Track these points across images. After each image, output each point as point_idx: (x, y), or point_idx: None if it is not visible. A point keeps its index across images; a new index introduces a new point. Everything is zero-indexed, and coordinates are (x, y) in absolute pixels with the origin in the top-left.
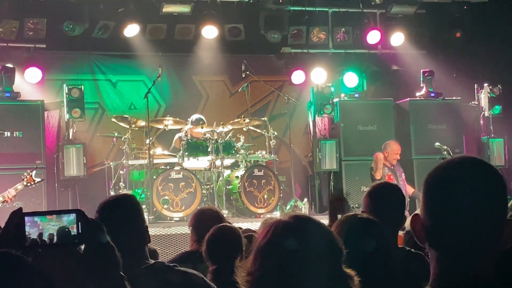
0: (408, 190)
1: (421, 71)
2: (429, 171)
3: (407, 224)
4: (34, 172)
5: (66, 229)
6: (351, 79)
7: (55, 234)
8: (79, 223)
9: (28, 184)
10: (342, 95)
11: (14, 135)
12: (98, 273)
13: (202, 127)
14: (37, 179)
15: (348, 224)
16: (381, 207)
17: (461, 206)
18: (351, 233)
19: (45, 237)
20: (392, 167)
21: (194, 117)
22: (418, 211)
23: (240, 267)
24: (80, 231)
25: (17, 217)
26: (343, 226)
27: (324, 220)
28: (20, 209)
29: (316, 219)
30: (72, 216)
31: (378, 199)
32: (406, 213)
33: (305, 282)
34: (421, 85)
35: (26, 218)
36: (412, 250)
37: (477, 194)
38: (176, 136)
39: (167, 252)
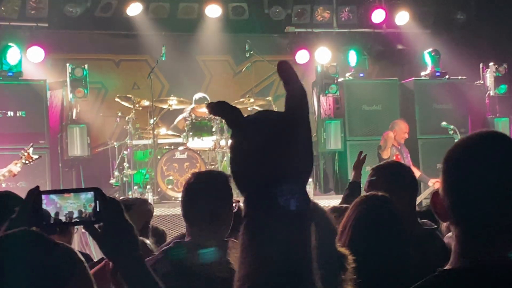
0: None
1: (425, 51)
2: (448, 149)
3: None
4: (31, 149)
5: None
6: (351, 57)
7: (74, 212)
8: (97, 201)
9: (27, 162)
10: (347, 74)
11: (17, 114)
12: (116, 252)
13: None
14: (35, 156)
15: (368, 204)
16: (394, 187)
17: (486, 180)
18: (370, 213)
19: (63, 216)
20: (399, 147)
21: (197, 95)
22: (437, 188)
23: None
24: (98, 210)
25: (34, 196)
26: (362, 206)
27: (329, 200)
28: (37, 187)
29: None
30: (90, 195)
31: (390, 179)
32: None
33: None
34: (426, 64)
35: (43, 196)
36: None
37: (501, 167)
38: (180, 116)
39: (172, 233)
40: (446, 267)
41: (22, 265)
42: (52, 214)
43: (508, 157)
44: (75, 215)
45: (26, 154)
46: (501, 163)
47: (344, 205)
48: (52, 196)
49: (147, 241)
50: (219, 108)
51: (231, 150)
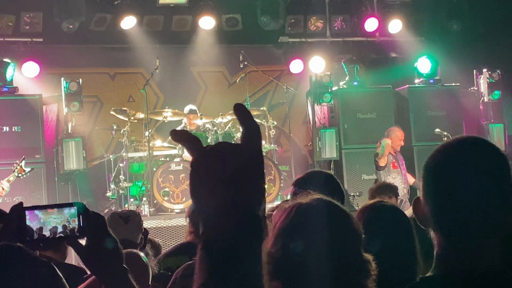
0: (409, 179)
1: (418, 58)
2: (429, 156)
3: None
4: (23, 162)
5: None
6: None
7: (58, 227)
8: (81, 216)
9: (20, 175)
10: (341, 83)
11: (13, 129)
12: (100, 267)
13: (201, 118)
14: (27, 169)
15: (376, 209)
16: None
17: (465, 186)
18: (379, 218)
19: (47, 231)
20: (395, 154)
21: (188, 108)
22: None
23: None
24: (81, 224)
25: (18, 211)
26: (370, 211)
27: None
28: (21, 203)
29: (336, 202)
30: (74, 209)
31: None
32: (407, 205)
33: (325, 264)
34: (418, 72)
35: (27, 212)
36: None
37: (480, 172)
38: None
39: (168, 244)
40: (428, 274)
41: (1, 280)
42: (36, 230)
43: (487, 162)
44: (59, 230)
45: (19, 167)
46: (480, 168)
47: None
48: (36, 212)
49: (141, 254)
50: (181, 136)
51: (189, 176)
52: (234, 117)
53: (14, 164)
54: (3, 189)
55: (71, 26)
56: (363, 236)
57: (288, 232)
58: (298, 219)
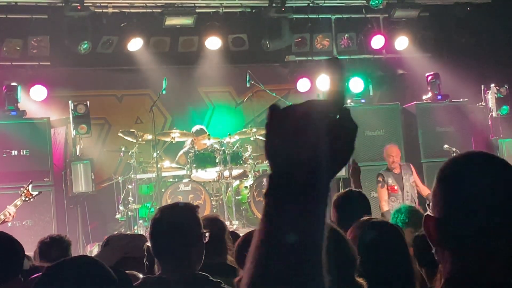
0: (423, 191)
1: (426, 74)
2: (440, 168)
3: None
4: (30, 186)
5: None
6: (356, 84)
7: None
8: None
9: (27, 199)
10: (349, 100)
11: (22, 153)
12: None
13: (209, 138)
14: (34, 193)
15: (365, 228)
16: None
17: (481, 201)
18: (368, 237)
19: None
20: (399, 173)
21: (196, 128)
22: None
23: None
24: None
25: None
26: (360, 230)
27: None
28: None
29: (332, 225)
30: None
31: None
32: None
33: None
34: (427, 88)
35: None
36: None
37: (493, 188)
38: (180, 152)
39: None
40: None
41: None
42: None
43: (499, 178)
44: None
45: (25, 191)
46: (494, 182)
47: None
48: None
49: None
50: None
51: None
52: (242, 136)
53: (21, 188)
54: (9, 214)
55: (83, 50)
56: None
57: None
58: None
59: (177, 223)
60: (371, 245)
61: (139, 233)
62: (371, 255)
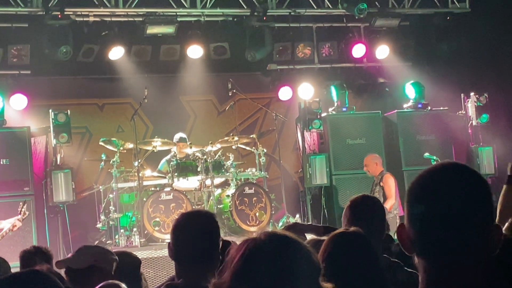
0: (386, 203)
1: (407, 83)
2: (411, 181)
3: None
4: (25, 206)
5: None
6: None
7: None
8: None
9: (24, 217)
10: (330, 109)
11: (1, 162)
12: None
13: (191, 147)
14: (28, 212)
15: (339, 241)
16: (362, 219)
17: (446, 212)
18: (342, 249)
19: None
20: (378, 181)
21: (177, 136)
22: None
23: (214, 284)
24: None
25: None
26: (334, 243)
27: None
28: None
29: (293, 235)
30: None
31: (358, 212)
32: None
33: None
34: (408, 97)
35: None
36: (391, 258)
37: (461, 198)
38: (163, 160)
39: (159, 275)
40: None
41: None
42: None
43: (467, 187)
44: None
45: (22, 211)
46: (460, 193)
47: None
48: None
49: (122, 285)
50: None
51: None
52: (224, 145)
53: (19, 209)
54: (15, 225)
55: (65, 57)
56: (322, 266)
57: (240, 277)
58: (248, 258)
59: (201, 228)
60: (336, 253)
61: (120, 242)
62: (336, 263)
